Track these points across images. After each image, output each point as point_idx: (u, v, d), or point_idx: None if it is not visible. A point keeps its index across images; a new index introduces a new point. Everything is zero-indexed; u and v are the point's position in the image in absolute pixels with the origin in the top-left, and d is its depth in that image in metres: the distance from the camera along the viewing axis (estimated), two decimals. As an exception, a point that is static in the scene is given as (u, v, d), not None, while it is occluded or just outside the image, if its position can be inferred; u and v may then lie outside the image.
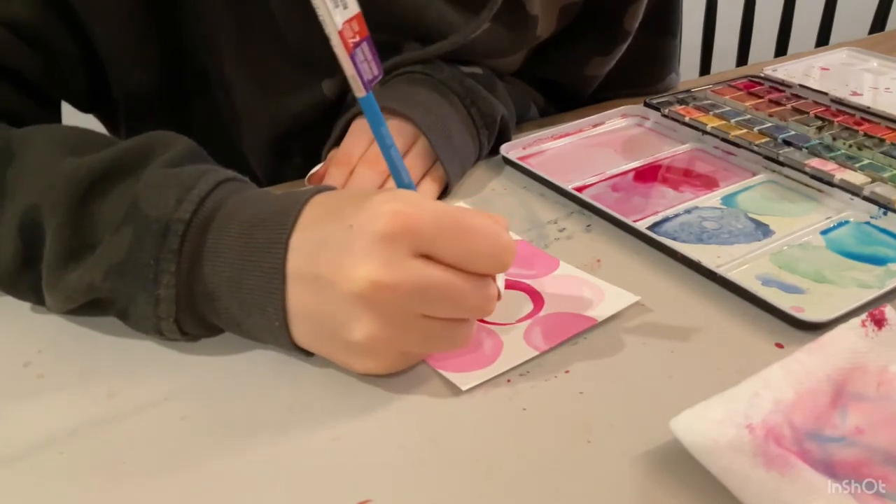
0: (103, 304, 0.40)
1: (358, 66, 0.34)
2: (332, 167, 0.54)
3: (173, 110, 0.61)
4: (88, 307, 0.41)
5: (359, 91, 0.34)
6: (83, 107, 0.64)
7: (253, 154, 0.64)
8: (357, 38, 0.33)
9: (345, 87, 0.62)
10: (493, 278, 0.38)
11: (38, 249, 0.40)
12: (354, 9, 0.33)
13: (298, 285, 0.36)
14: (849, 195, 0.54)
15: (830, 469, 0.33)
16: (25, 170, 0.41)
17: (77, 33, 0.54)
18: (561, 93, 0.73)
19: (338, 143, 0.57)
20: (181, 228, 0.37)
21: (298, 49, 0.58)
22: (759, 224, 0.52)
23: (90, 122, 0.56)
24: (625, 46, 0.69)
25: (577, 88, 0.72)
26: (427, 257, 0.35)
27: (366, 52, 0.34)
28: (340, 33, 0.32)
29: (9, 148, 0.43)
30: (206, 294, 0.38)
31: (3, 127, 0.47)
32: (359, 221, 0.35)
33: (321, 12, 0.32)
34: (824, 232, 0.51)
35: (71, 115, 0.59)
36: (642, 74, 0.74)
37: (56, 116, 0.58)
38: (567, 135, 0.65)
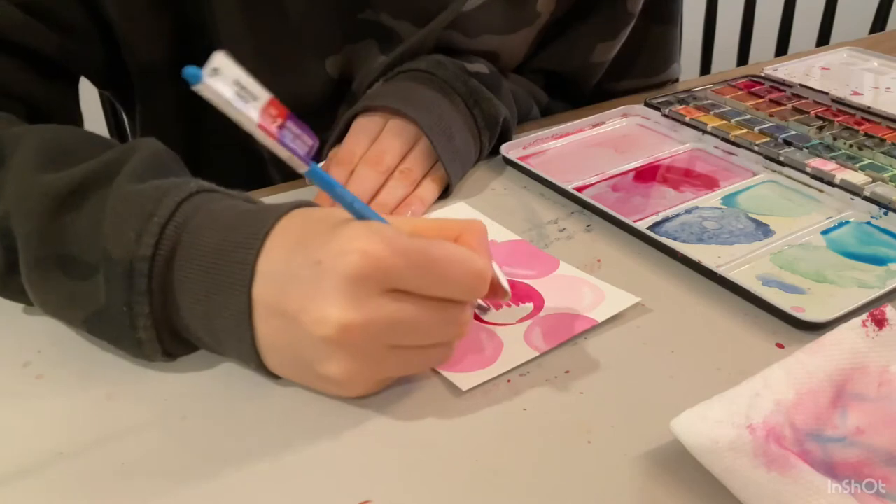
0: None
1: (290, 147, 0.32)
2: (334, 166, 0.54)
3: (184, 84, 0.61)
4: None
5: (301, 167, 0.33)
6: (100, 83, 0.64)
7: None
8: (279, 121, 0.32)
9: (348, 67, 0.62)
10: (468, 303, 0.37)
11: (16, 255, 0.40)
12: (265, 96, 0.31)
13: (268, 320, 0.36)
14: (849, 195, 0.54)
15: (831, 469, 0.33)
16: (7, 177, 0.41)
17: (90, 8, 0.55)
18: (566, 85, 0.73)
19: (339, 140, 0.57)
20: (146, 268, 0.36)
21: (301, 25, 0.58)
22: (759, 224, 0.52)
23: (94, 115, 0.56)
24: (628, 30, 0.69)
25: (583, 78, 0.72)
26: (397, 290, 0.35)
27: (293, 129, 0.32)
28: (261, 126, 0.31)
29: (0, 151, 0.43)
30: (183, 327, 0.38)
31: (4, 120, 0.47)
32: (327, 258, 0.34)
33: (233, 116, 0.30)
34: (825, 232, 0.51)
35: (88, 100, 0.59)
36: (645, 64, 0.74)
37: (73, 95, 0.58)
38: (567, 134, 0.65)
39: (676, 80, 0.78)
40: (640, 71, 0.74)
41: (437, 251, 0.35)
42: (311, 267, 0.34)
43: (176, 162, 0.43)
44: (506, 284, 0.39)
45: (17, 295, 0.42)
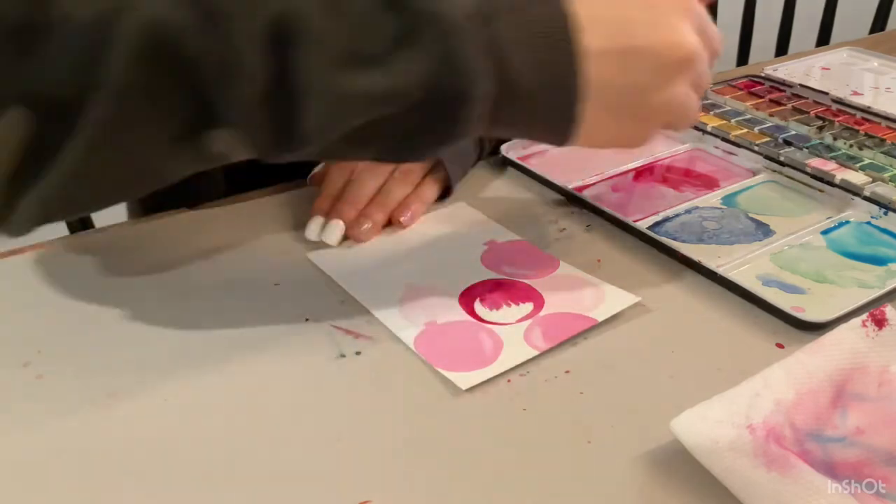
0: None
1: None
2: (334, 168, 0.54)
3: None
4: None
5: None
6: None
7: None
8: None
9: None
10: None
11: (293, 63, 0.33)
12: None
13: (602, 61, 0.37)
14: (849, 195, 0.54)
15: (831, 469, 0.33)
16: None
17: None
18: None
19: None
20: (479, 21, 0.35)
21: None
22: (759, 224, 0.52)
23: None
24: None
25: None
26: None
27: None
28: None
29: None
30: (511, 72, 0.36)
31: None
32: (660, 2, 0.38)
33: None
34: (825, 232, 0.51)
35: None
36: None
37: None
38: (567, 134, 0.65)
39: None
40: None
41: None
42: (647, 9, 0.38)
43: None
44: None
45: (266, 132, 0.35)
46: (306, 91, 0.34)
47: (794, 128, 0.64)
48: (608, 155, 0.62)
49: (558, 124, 0.39)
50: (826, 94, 0.69)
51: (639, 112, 0.40)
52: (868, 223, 0.52)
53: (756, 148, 0.60)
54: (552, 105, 0.38)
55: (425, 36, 0.34)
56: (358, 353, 0.41)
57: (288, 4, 0.33)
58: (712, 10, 1.22)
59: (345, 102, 0.34)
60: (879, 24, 1.19)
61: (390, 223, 0.53)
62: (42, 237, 0.47)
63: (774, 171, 0.58)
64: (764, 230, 0.52)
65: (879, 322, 0.37)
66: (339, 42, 0.34)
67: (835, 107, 0.68)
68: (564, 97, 0.37)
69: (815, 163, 0.57)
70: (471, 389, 0.39)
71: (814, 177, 0.56)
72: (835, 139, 0.61)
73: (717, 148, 0.62)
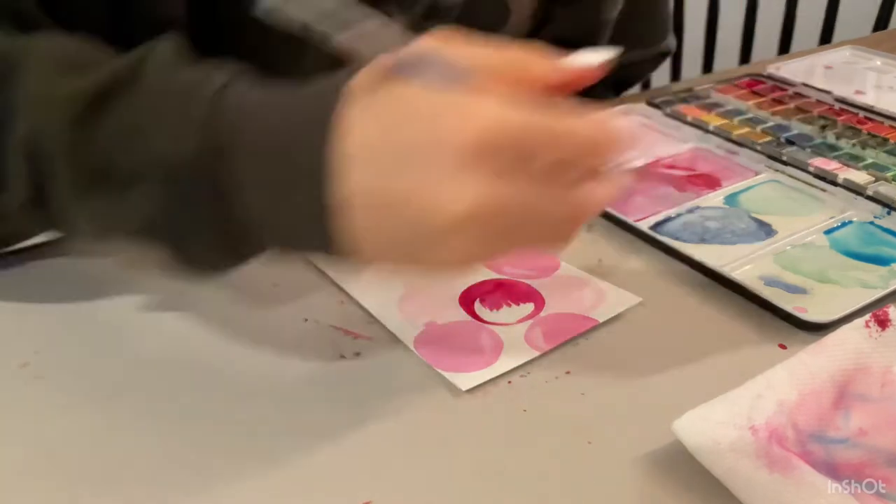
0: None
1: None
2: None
3: (200, 46, 0.58)
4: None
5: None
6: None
7: None
8: None
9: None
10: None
11: (46, 178, 0.36)
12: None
13: (367, 209, 0.31)
14: (852, 195, 0.54)
15: (833, 471, 0.33)
16: (20, 92, 0.36)
17: None
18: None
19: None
20: (199, 165, 0.32)
21: None
22: (762, 224, 0.52)
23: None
24: None
25: (593, 41, 0.72)
26: (522, 166, 0.31)
27: None
28: None
29: (6, 64, 0.37)
30: (247, 225, 0.34)
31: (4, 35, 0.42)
32: (445, 134, 0.30)
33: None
34: (828, 232, 0.51)
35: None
36: (643, 34, 0.73)
37: None
38: (569, 134, 0.65)
39: (670, 53, 0.77)
40: (636, 41, 0.74)
41: (553, 123, 0.31)
42: (419, 150, 0.30)
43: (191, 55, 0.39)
44: (611, 119, 0.33)
45: (43, 225, 0.38)
46: (59, 212, 0.36)
47: (797, 127, 0.64)
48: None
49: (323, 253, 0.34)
50: (829, 93, 0.69)
51: (417, 263, 0.34)
52: (871, 223, 0.52)
53: (758, 147, 0.60)
54: (311, 245, 0.35)
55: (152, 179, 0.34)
56: (357, 354, 0.41)
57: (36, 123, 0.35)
58: (714, 10, 1.22)
59: (81, 230, 0.37)
60: (882, 22, 1.19)
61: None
62: (41, 237, 0.47)
63: (777, 170, 0.58)
64: (766, 230, 0.51)
65: (882, 322, 0.36)
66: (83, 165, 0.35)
67: (837, 106, 0.68)
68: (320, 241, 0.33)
69: (818, 162, 0.57)
70: (471, 390, 0.39)
71: (817, 176, 0.56)
72: (838, 138, 0.61)
73: (719, 147, 0.62)
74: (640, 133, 0.66)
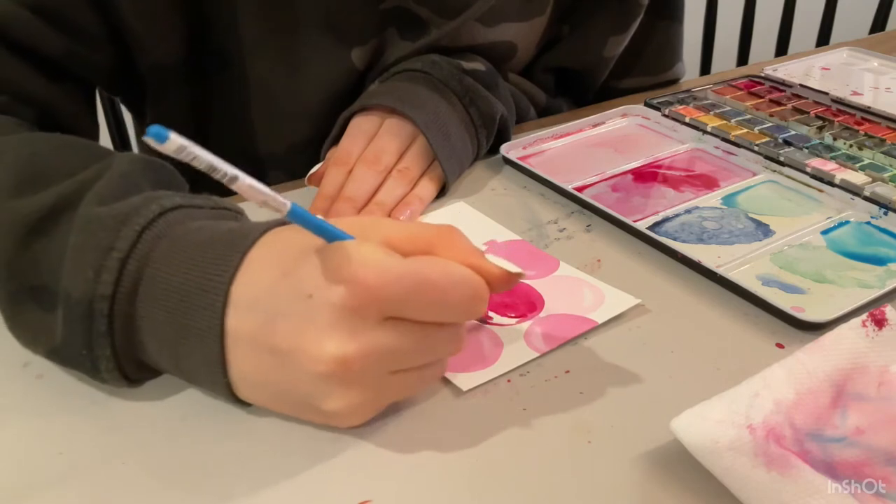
0: None
1: (265, 192, 0.31)
2: (331, 167, 0.54)
3: (196, 85, 0.61)
4: None
5: (282, 208, 0.31)
6: (108, 88, 0.64)
7: (274, 131, 0.63)
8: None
9: (375, 57, 0.61)
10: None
11: None
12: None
13: (251, 355, 0.34)
14: (849, 195, 0.54)
15: (831, 469, 0.33)
16: None
17: (101, 10, 0.54)
18: (574, 83, 0.74)
19: (337, 141, 0.57)
20: (105, 307, 0.35)
21: (325, 19, 0.58)
22: (759, 224, 0.52)
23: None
24: (637, 22, 0.69)
25: (593, 74, 0.73)
26: (394, 317, 0.33)
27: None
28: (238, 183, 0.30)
29: None
30: (151, 363, 0.37)
31: (4, 125, 0.47)
32: (318, 291, 0.32)
33: (207, 161, 0.29)
34: (825, 232, 0.51)
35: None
36: (649, 61, 0.75)
37: (83, 98, 0.58)
38: (567, 134, 0.65)
39: (678, 80, 0.78)
40: (644, 68, 0.75)
41: (432, 273, 0.33)
42: (301, 300, 0.32)
43: (158, 171, 0.41)
44: (512, 267, 0.36)
45: None
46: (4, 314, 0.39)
47: (794, 128, 0.64)
48: (608, 155, 0.62)
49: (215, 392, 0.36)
50: (826, 94, 0.69)
51: (312, 412, 0.35)
52: (868, 223, 0.52)
53: (756, 148, 0.60)
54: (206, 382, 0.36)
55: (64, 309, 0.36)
56: (358, 354, 0.41)
57: None
58: (712, 11, 1.22)
59: (17, 335, 0.39)
60: (879, 24, 1.19)
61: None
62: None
63: (774, 171, 0.58)
64: (764, 230, 0.52)
65: (879, 322, 0.36)
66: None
67: (835, 107, 0.68)
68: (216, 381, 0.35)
69: (815, 163, 0.57)
70: (471, 390, 0.39)
71: (814, 177, 0.56)
72: (835, 139, 0.61)
73: (717, 148, 0.62)
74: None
